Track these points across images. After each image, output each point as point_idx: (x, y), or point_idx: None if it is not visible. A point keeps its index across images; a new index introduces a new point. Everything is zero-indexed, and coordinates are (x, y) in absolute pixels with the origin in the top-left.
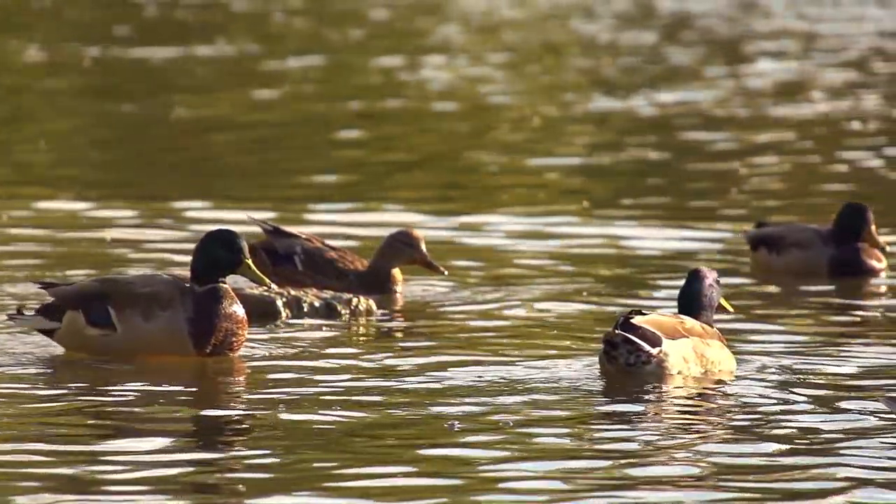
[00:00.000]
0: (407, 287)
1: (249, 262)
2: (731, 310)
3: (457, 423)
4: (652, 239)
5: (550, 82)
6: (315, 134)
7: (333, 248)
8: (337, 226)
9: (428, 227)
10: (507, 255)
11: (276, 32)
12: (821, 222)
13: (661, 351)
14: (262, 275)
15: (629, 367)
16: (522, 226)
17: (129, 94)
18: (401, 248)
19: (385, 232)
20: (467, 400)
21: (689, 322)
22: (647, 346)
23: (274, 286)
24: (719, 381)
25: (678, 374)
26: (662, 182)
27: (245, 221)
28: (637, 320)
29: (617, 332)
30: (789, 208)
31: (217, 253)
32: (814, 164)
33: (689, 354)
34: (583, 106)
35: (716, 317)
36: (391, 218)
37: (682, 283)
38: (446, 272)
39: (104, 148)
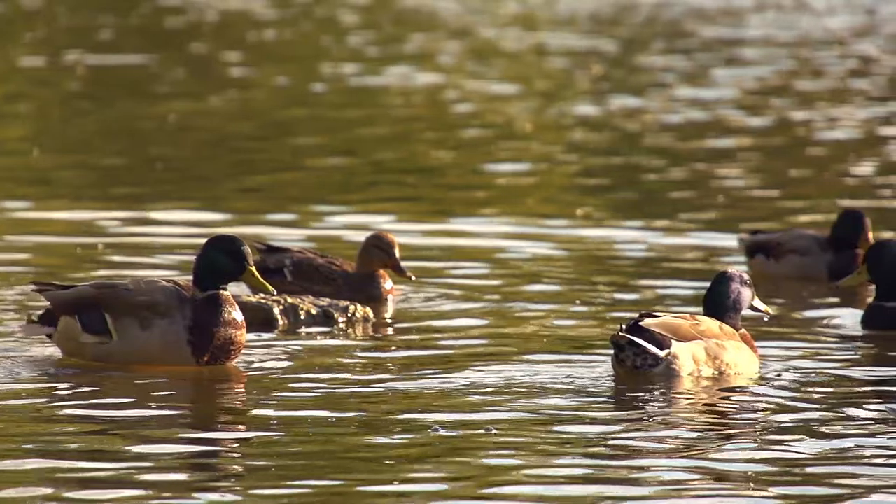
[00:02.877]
0: (405, 292)
1: (253, 269)
2: (767, 311)
3: (441, 428)
4: (646, 243)
5: (527, 89)
6: (295, 140)
7: (322, 256)
8: (315, 229)
9: (419, 233)
10: (500, 260)
11: (251, 40)
12: (815, 229)
13: (669, 353)
14: (265, 282)
15: (637, 369)
16: (513, 230)
17: (116, 100)
18: (373, 251)
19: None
20: (466, 405)
21: (706, 323)
22: (652, 349)
23: (275, 293)
24: (728, 384)
25: (689, 375)
26: (649, 187)
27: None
28: (646, 322)
29: (621, 334)
30: (776, 213)
31: (219, 259)
32: (797, 170)
33: (701, 356)
34: (557, 112)
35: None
36: (385, 223)
37: (676, 287)
38: (414, 277)
39: (92, 153)
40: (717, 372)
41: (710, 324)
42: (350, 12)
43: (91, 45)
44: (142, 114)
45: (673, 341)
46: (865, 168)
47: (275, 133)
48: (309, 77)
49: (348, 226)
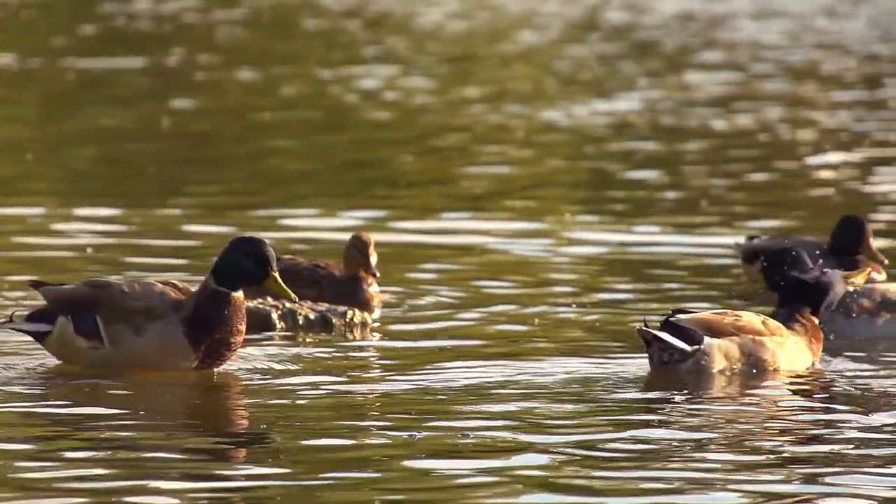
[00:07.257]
0: (404, 296)
1: (276, 274)
2: (863, 278)
3: (470, 433)
4: (642, 245)
5: (499, 92)
6: (277, 142)
7: (312, 260)
8: (300, 231)
9: (409, 234)
10: (496, 261)
11: (219, 44)
12: (815, 234)
13: (698, 349)
14: (287, 288)
15: (664, 364)
16: (505, 228)
17: (102, 104)
18: (352, 251)
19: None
20: (462, 409)
21: (747, 318)
22: (679, 344)
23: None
24: (760, 383)
25: (720, 371)
26: (634, 190)
27: (250, 225)
28: (678, 318)
29: (644, 328)
30: (765, 216)
31: (241, 263)
32: (783, 173)
33: (734, 352)
34: (532, 115)
35: None
36: (381, 224)
37: (674, 288)
38: (377, 274)
39: (83, 155)
40: (752, 369)
41: (752, 319)
42: (321, 15)
43: (84, 49)
44: (120, 116)
45: (705, 337)
46: (850, 170)
47: (262, 133)
48: (286, 80)
49: (339, 228)
